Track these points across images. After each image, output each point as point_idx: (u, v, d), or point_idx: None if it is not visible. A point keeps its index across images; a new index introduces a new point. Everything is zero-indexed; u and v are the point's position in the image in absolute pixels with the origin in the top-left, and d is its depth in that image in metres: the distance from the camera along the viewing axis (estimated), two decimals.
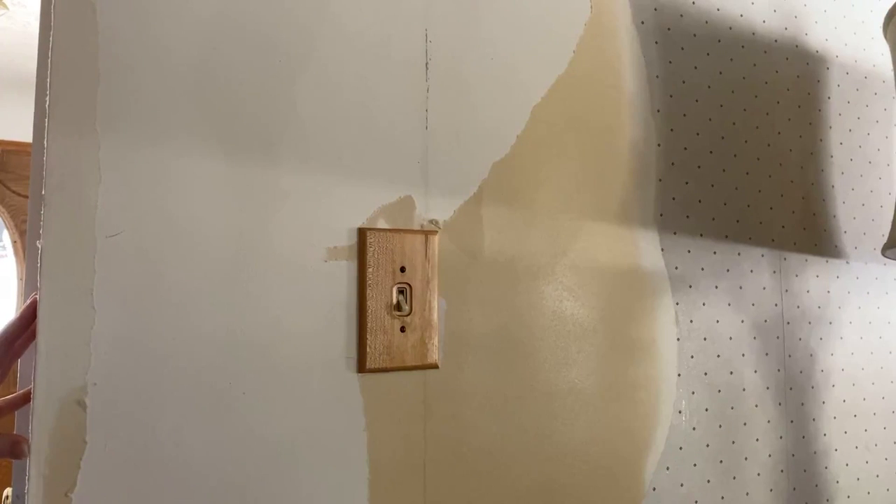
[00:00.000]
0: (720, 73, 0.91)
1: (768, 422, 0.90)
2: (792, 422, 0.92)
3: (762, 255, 0.93)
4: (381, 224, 0.67)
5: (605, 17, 0.83)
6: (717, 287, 0.88)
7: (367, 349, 0.64)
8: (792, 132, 0.97)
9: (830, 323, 0.97)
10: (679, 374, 0.84)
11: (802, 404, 0.93)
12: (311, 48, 0.65)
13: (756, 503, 0.88)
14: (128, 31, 0.57)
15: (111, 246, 0.55)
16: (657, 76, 0.86)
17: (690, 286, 0.86)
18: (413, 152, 0.70)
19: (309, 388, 0.63)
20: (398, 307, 0.66)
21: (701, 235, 0.88)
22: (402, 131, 0.69)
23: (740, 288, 0.90)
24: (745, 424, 0.88)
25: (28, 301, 0.60)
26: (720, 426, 0.86)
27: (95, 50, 0.56)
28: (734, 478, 0.87)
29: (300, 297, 0.63)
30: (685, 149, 0.87)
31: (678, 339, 0.84)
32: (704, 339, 0.87)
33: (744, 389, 0.89)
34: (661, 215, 0.85)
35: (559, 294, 0.76)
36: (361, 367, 0.64)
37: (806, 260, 0.96)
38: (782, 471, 0.91)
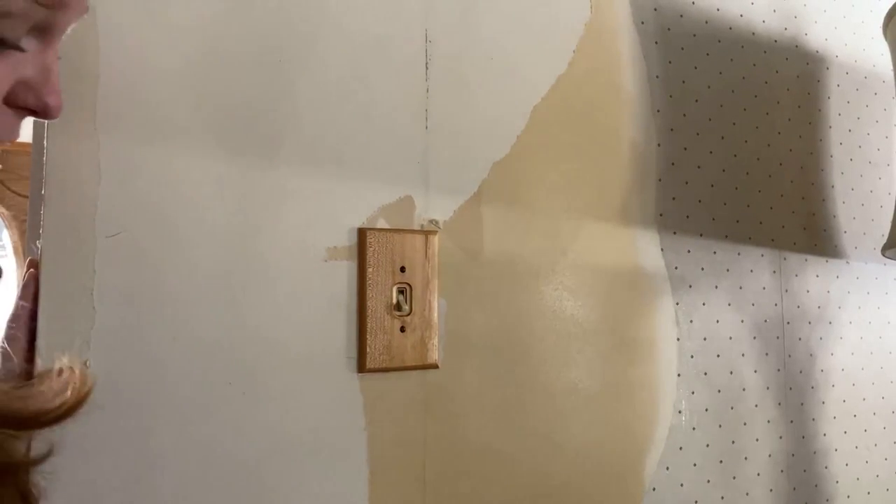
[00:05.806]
0: (720, 73, 0.91)
1: (768, 422, 0.90)
2: (792, 422, 0.92)
3: (762, 255, 0.92)
4: (381, 224, 0.67)
5: (606, 17, 0.83)
6: (716, 287, 0.88)
7: (367, 349, 0.64)
8: (792, 132, 0.97)
9: (830, 323, 0.97)
10: (679, 374, 0.84)
11: (802, 404, 0.93)
12: (311, 48, 0.65)
13: (756, 503, 0.88)
14: (128, 31, 0.57)
15: (111, 246, 0.55)
16: (657, 76, 0.86)
17: (690, 286, 0.86)
18: (413, 152, 0.70)
19: (309, 388, 0.63)
20: (398, 307, 0.66)
21: (701, 235, 0.88)
22: (402, 131, 0.69)
23: (740, 288, 0.90)
24: (745, 424, 0.88)
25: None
26: (720, 426, 0.86)
27: (95, 50, 0.56)
28: (734, 478, 0.87)
29: (300, 297, 0.63)
30: (685, 149, 0.87)
31: (678, 339, 0.84)
32: (704, 339, 0.87)
33: (744, 389, 0.89)
34: (660, 215, 0.85)
35: (559, 294, 0.76)
36: (361, 367, 0.64)
37: (806, 260, 0.96)
38: (782, 471, 0.91)
